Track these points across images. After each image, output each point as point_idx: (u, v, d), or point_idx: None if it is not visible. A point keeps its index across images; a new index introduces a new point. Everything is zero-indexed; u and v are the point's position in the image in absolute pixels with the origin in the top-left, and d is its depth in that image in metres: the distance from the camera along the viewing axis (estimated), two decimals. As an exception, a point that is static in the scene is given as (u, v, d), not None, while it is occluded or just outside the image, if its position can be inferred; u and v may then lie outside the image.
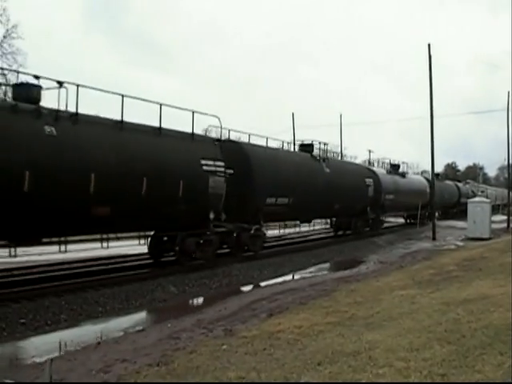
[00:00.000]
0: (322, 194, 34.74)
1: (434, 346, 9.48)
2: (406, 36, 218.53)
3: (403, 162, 58.16)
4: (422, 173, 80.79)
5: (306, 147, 37.31)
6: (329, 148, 48.40)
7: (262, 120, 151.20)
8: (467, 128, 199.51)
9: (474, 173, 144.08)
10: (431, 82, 44.59)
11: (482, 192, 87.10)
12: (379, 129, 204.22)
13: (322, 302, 16.72)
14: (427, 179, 60.17)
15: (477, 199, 48.73)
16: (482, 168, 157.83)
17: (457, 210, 76.81)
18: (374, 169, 50.37)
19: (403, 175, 55.13)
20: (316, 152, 37.63)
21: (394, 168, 54.61)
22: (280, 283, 23.26)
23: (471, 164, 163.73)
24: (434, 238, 43.88)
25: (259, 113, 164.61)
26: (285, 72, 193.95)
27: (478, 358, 8.55)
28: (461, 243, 40.43)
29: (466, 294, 15.14)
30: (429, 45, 44.30)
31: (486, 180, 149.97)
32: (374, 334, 11.12)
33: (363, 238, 43.08)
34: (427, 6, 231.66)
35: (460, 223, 56.46)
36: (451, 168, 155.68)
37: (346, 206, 39.86)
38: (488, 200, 48.44)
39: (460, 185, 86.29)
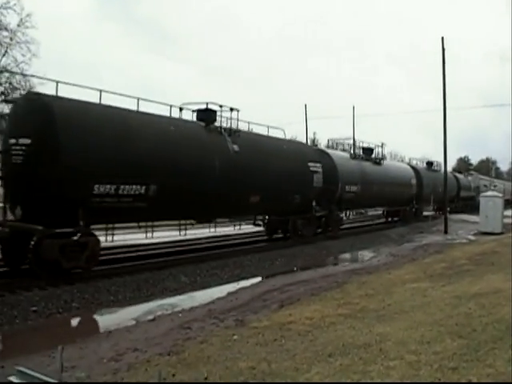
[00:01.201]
0: (224, 182, 24.57)
1: (446, 340, 9.48)
2: (421, 28, 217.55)
3: (379, 146, 47.08)
4: (409, 160, 67.73)
5: (204, 114, 25.88)
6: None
7: (275, 110, 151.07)
8: (482, 122, 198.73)
9: (487, 167, 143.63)
10: (444, 76, 44.38)
11: (485, 186, 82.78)
12: (394, 121, 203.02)
13: (333, 294, 16.73)
14: (414, 168, 55.70)
15: (489, 193, 48.27)
16: (494, 162, 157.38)
17: (456, 204, 71.67)
18: (330, 151, 39.75)
19: (377, 162, 45.71)
20: (228, 125, 26.61)
21: (366, 152, 44.86)
22: (291, 274, 23.22)
23: (484, 158, 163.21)
24: (445, 232, 43.73)
25: (272, 103, 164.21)
26: (298, 62, 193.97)
27: (489, 352, 8.55)
28: (473, 237, 40.26)
29: (478, 288, 15.13)
30: (442, 38, 44.07)
31: (499, 174, 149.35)
32: (385, 327, 11.14)
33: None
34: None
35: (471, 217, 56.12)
36: (464, 162, 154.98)
37: (273, 199, 29.26)
38: (500, 194, 48.06)
39: (460, 176, 79.96)
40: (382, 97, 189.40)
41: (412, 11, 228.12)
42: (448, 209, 54.18)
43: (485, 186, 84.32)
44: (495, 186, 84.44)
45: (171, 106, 24.36)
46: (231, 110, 26.70)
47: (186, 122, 25.48)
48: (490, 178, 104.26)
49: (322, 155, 36.54)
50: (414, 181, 52.38)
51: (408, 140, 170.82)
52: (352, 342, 10.00)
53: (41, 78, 22.18)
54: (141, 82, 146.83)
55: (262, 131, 30.87)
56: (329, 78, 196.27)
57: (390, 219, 54.31)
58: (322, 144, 63.68)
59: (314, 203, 33.75)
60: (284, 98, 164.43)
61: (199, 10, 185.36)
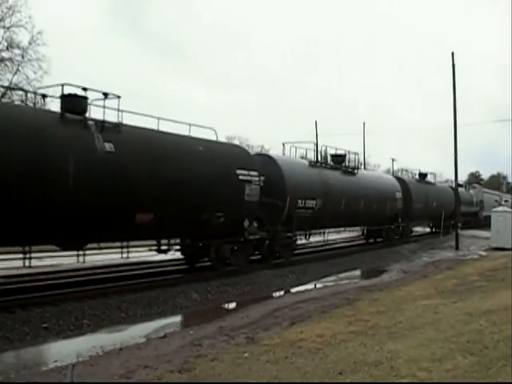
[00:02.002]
0: (84, 194, 17.54)
1: (457, 357, 9.46)
2: (433, 42, 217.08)
3: (355, 153, 39.43)
4: (399, 172, 58.54)
5: (68, 101, 18.39)
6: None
7: (285, 125, 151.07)
8: (494, 136, 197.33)
9: (498, 182, 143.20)
10: (455, 91, 44.30)
11: (496, 201, 79.16)
12: (406, 137, 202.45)
13: (344, 311, 16.70)
14: (400, 179, 48.09)
15: (500, 208, 48.14)
16: (505, 177, 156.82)
17: (455, 221, 55.34)
18: (277, 157, 30.81)
19: (349, 171, 37.71)
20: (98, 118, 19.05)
21: (335, 160, 37.20)
22: (302, 292, 23.19)
23: (495, 173, 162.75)
24: (457, 248, 43.60)
25: (282, 118, 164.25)
26: (308, 77, 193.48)
27: (500, 369, 8.52)
28: (484, 253, 40.12)
29: (489, 305, 15.07)
30: (452, 53, 44.09)
31: (510, 189, 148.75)
32: (397, 344, 11.11)
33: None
34: (454, 12, 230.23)
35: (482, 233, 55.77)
36: (475, 177, 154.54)
37: (178, 218, 21.89)
38: (511, 210, 47.81)
39: (460, 189, 64.25)
40: (392, 112, 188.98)
41: (423, 25, 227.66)
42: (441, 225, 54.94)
43: (496, 201, 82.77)
44: (506, 201, 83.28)
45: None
46: (105, 95, 19.40)
47: (29, 110, 19.58)
48: (499, 193, 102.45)
49: (263, 161, 28.83)
50: (399, 194, 45.03)
51: (419, 155, 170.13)
52: (363, 360, 9.99)
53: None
54: (151, 96, 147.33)
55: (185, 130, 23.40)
56: (340, 92, 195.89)
57: (372, 240, 45.68)
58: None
59: (246, 223, 25.67)
60: (295, 113, 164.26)
61: (210, 25, 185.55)
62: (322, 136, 69.77)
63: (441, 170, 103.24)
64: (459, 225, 49.27)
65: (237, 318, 17.28)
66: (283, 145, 33.44)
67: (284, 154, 33.00)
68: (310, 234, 33.86)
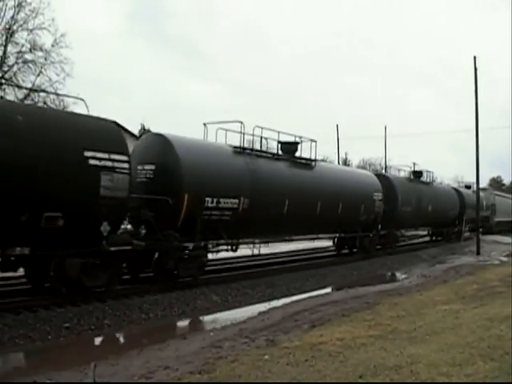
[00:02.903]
0: None
1: (477, 362, 9.45)
2: (455, 46, 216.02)
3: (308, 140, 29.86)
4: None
5: None
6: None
7: (304, 129, 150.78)
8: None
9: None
10: (477, 95, 44.19)
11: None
12: (427, 141, 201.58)
13: (364, 315, 16.67)
14: (382, 176, 41.57)
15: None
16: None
17: (459, 228, 56.71)
18: (176, 139, 22.05)
19: (307, 164, 29.77)
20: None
21: (287, 148, 28.89)
22: (322, 295, 23.18)
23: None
24: (478, 253, 43.42)
25: (304, 122, 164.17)
26: (330, 81, 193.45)
27: (521, 375, 8.51)
28: (505, 259, 39.95)
29: (510, 310, 15.01)
30: (474, 57, 43.99)
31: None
32: (417, 349, 11.11)
33: None
34: (476, 15, 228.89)
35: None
36: (496, 182, 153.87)
37: None
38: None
39: (467, 192, 60.66)
40: (413, 116, 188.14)
41: (445, 28, 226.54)
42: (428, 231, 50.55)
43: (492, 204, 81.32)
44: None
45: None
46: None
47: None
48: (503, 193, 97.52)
49: (156, 143, 22.23)
50: (378, 195, 36.59)
51: (440, 160, 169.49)
52: (383, 363, 9.99)
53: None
54: (171, 99, 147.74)
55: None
56: (360, 96, 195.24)
57: (347, 251, 37.59)
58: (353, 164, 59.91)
59: (104, 227, 18.07)
60: (315, 117, 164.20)
61: (231, 28, 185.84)
62: (344, 140, 69.54)
63: (462, 174, 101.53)
64: (468, 232, 48.12)
65: (258, 320, 17.26)
66: (204, 125, 24.75)
67: (206, 138, 24.78)
68: (236, 245, 24.84)
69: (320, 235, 34.41)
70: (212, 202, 22.04)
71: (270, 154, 27.88)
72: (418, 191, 44.45)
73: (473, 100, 44.45)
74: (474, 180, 48.08)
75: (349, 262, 33.46)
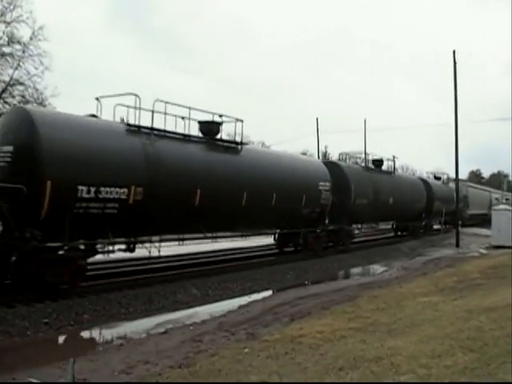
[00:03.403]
0: None
1: (457, 354, 9.45)
2: (435, 40, 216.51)
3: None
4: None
5: None
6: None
7: (287, 123, 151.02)
8: (496, 135, 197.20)
9: (499, 180, 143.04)
10: (456, 89, 44.43)
11: (497, 199, 75.79)
12: (409, 135, 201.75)
13: (344, 308, 16.70)
14: (332, 163, 37.21)
15: (501, 207, 48.04)
16: (506, 176, 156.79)
17: (427, 222, 53.40)
18: (40, 113, 18.88)
19: (232, 147, 25.34)
20: None
21: (207, 128, 24.35)
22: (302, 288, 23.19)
23: (496, 172, 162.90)
24: (457, 245, 43.67)
25: (283, 116, 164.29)
26: (311, 74, 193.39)
27: (500, 366, 8.51)
28: (484, 251, 40.16)
29: (489, 302, 15.07)
30: (454, 51, 44.37)
31: (511, 188, 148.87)
32: (397, 341, 11.12)
33: None
34: (458, 10, 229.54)
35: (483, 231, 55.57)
36: (475, 175, 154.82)
37: None
38: (512, 208, 47.60)
39: (435, 182, 57.10)
40: (394, 110, 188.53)
41: (427, 23, 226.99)
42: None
43: (496, 199, 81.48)
44: (507, 200, 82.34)
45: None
46: None
47: None
48: (493, 189, 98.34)
49: (12, 120, 18.40)
50: (326, 185, 31.84)
51: (422, 154, 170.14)
52: (363, 356, 9.99)
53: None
54: (155, 94, 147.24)
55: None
56: (343, 90, 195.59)
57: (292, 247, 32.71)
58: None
59: None
60: (297, 110, 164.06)
61: (214, 23, 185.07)
62: (324, 133, 69.59)
63: (442, 168, 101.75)
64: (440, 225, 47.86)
65: (237, 314, 17.30)
66: (97, 99, 20.53)
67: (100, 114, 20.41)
68: (134, 244, 20.88)
69: (249, 232, 28.41)
70: (88, 192, 17.71)
71: (179, 134, 22.67)
72: (377, 181, 40.12)
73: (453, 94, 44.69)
74: (453, 173, 47.98)
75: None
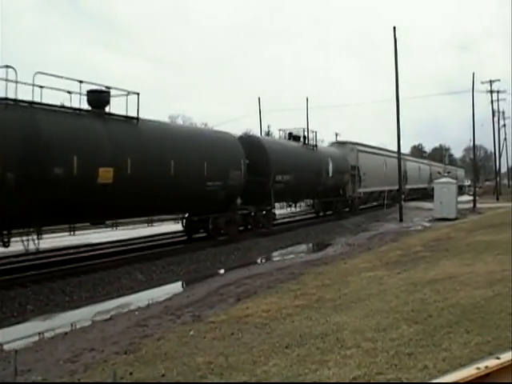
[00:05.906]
0: None
1: (402, 326, 9.51)
2: (377, 17, 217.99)
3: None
4: None
5: None
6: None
7: (228, 103, 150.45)
8: (438, 110, 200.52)
9: (441, 154, 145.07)
10: (396, 66, 44.92)
11: (439, 173, 76.00)
12: (353, 112, 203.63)
13: (289, 286, 16.72)
14: (243, 137, 33.86)
15: (443, 180, 48.75)
16: (448, 149, 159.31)
17: (350, 198, 47.83)
18: None
19: (123, 119, 22.35)
20: None
21: (94, 99, 21.43)
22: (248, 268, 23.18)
23: (438, 146, 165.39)
24: (401, 220, 44.15)
25: (224, 95, 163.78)
26: (252, 53, 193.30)
27: (444, 336, 8.59)
28: (428, 224, 40.72)
29: (433, 274, 15.23)
30: (394, 28, 44.78)
31: (452, 161, 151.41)
32: (342, 316, 11.15)
33: None
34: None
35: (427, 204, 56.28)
36: (418, 150, 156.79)
37: None
38: (454, 181, 48.47)
39: (347, 151, 48.71)
40: (338, 87, 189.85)
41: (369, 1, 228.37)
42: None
43: (438, 173, 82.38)
44: (449, 173, 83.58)
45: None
46: None
47: None
48: (434, 163, 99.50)
49: None
50: (237, 164, 28.92)
51: (366, 130, 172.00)
52: (309, 333, 10.00)
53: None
54: (92, 77, 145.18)
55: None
56: (284, 68, 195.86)
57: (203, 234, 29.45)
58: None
59: None
60: (239, 90, 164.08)
61: (150, 2, 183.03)
62: (267, 112, 69.62)
63: (386, 143, 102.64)
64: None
65: (183, 297, 17.26)
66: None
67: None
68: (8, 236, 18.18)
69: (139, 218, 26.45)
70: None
71: (68, 108, 20.14)
72: (299, 157, 37.13)
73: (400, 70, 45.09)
74: (396, 148, 48.26)
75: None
